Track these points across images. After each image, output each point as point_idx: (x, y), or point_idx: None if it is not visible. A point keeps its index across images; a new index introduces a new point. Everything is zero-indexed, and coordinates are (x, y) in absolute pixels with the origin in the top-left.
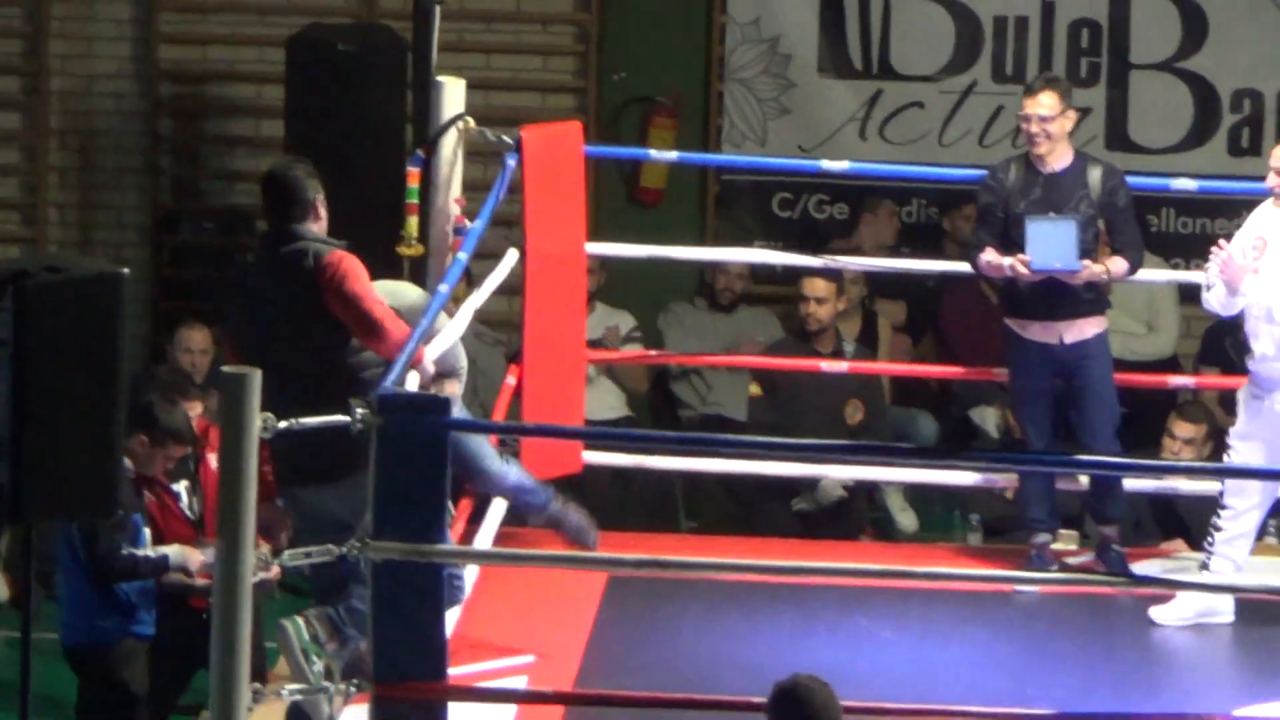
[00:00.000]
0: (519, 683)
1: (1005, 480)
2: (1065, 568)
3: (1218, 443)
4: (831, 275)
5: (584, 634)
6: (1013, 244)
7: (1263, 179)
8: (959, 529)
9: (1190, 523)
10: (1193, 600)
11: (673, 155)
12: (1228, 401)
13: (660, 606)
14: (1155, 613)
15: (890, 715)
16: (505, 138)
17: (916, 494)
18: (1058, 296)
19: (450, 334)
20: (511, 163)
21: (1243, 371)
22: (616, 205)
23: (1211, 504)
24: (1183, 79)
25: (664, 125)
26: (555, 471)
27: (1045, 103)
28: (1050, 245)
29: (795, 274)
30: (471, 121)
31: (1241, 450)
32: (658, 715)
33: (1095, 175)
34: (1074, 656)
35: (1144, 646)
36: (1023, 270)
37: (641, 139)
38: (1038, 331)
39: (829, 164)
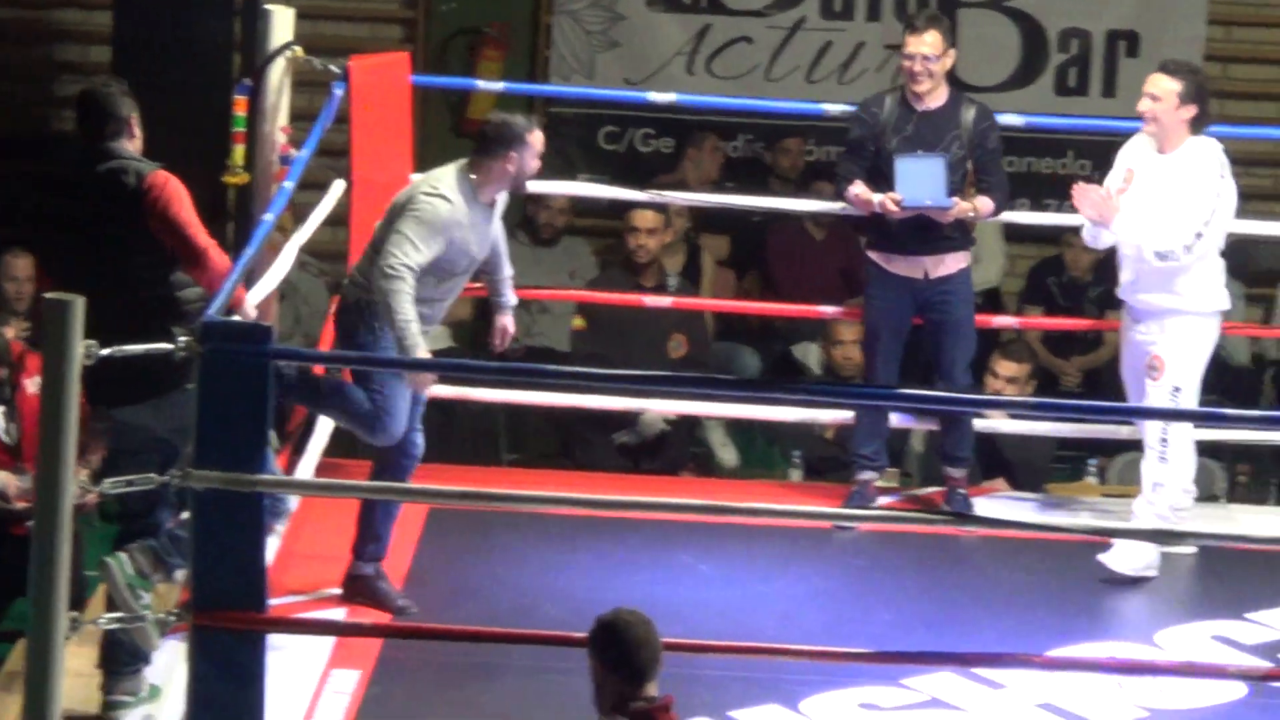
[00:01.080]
0: (338, 614)
1: (828, 418)
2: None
3: (1041, 381)
4: (658, 208)
5: (404, 566)
6: (882, 178)
7: (1092, 118)
8: (780, 465)
9: (1013, 462)
10: (1141, 550)
11: (499, 86)
12: (1050, 340)
13: (481, 539)
14: (1104, 558)
15: (708, 650)
16: (333, 67)
17: (738, 429)
18: (924, 231)
19: (271, 278)
20: (338, 92)
21: (1064, 311)
22: (443, 136)
23: (1033, 443)
24: (1011, 17)
25: (492, 56)
26: None
27: (929, 41)
28: (920, 182)
29: (619, 207)
30: (299, 50)
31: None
32: (477, 647)
33: (969, 115)
34: (893, 594)
35: (965, 586)
36: (893, 208)
37: (469, 70)
38: (902, 266)
39: (655, 96)
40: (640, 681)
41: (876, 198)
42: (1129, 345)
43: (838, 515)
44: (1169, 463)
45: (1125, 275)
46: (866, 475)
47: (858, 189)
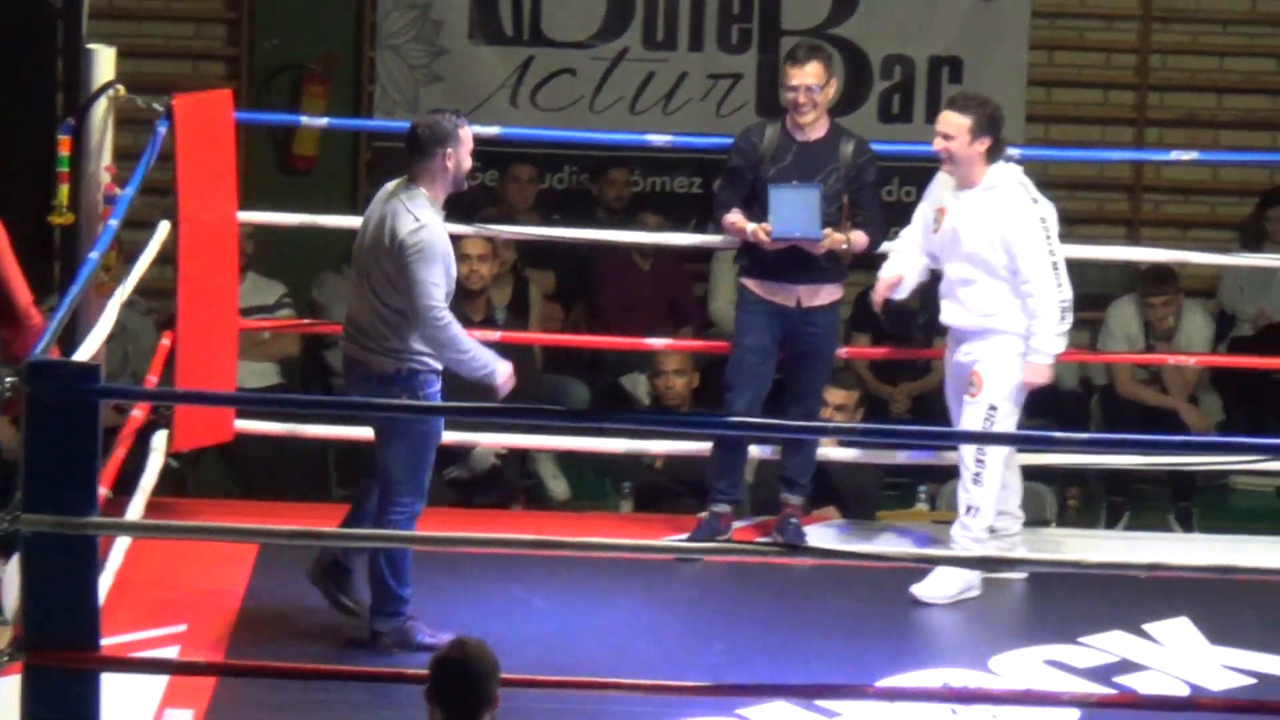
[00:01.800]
0: (171, 652)
1: (657, 449)
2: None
3: (869, 409)
4: (486, 239)
5: (236, 602)
6: (759, 207)
7: (917, 144)
8: (610, 497)
9: (844, 489)
10: (955, 576)
11: (323, 121)
12: (878, 367)
13: None
14: (917, 590)
15: (541, 685)
16: (156, 105)
17: (568, 461)
18: (800, 261)
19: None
20: (162, 130)
21: (891, 338)
22: (269, 173)
23: (864, 471)
24: (834, 44)
25: (316, 92)
26: (207, 440)
27: (812, 72)
28: (793, 213)
29: None
30: (122, 89)
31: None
32: (311, 685)
33: (848, 149)
34: (727, 625)
35: (799, 615)
36: (763, 238)
37: (294, 106)
38: (776, 293)
39: (479, 129)
40: (474, 717)
41: (750, 227)
42: (952, 369)
43: (669, 549)
44: (983, 486)
45: (946, 300)
46: (720, 508)
47: (733, 217)
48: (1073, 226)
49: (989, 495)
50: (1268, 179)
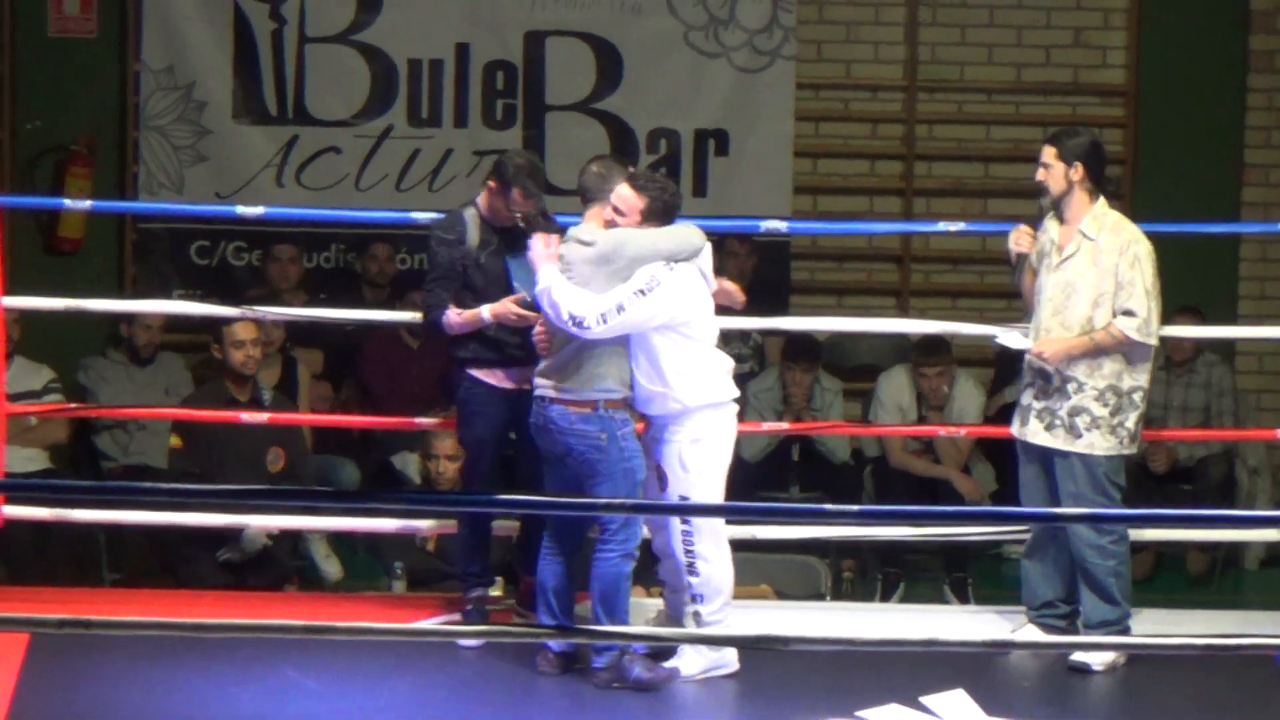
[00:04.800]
0: None
1: (428, 528)
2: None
3: None
4: (255, 321)
5: (8, 691)
6: (471, 295)
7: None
8: (382, 577)
9: None
10: (699, 654)
11: (87, 204)
12: None
13: (84, 660)
14: (676, 663)
15: None
16: None
17: (340, 541)
18: (526, 341)
19: None
20: None
21: None
22: (34, 255)
23: None
24: (599, 119)
25: (79, 174)
26: None
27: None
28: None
29: (212, 322)
30: None
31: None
32: None
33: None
34: (499, 704)
35: (570, 692)
36: (513, 310)
37: (57, 187)
38: (504, 378)
39: (244, 209)
40: None
41: (485, 309)
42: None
43: (438, 632)
44: (700, 575)
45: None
46: (477, 592)
47: (458, 313)
48: (842, 298)
49: (710, 579)
50: None
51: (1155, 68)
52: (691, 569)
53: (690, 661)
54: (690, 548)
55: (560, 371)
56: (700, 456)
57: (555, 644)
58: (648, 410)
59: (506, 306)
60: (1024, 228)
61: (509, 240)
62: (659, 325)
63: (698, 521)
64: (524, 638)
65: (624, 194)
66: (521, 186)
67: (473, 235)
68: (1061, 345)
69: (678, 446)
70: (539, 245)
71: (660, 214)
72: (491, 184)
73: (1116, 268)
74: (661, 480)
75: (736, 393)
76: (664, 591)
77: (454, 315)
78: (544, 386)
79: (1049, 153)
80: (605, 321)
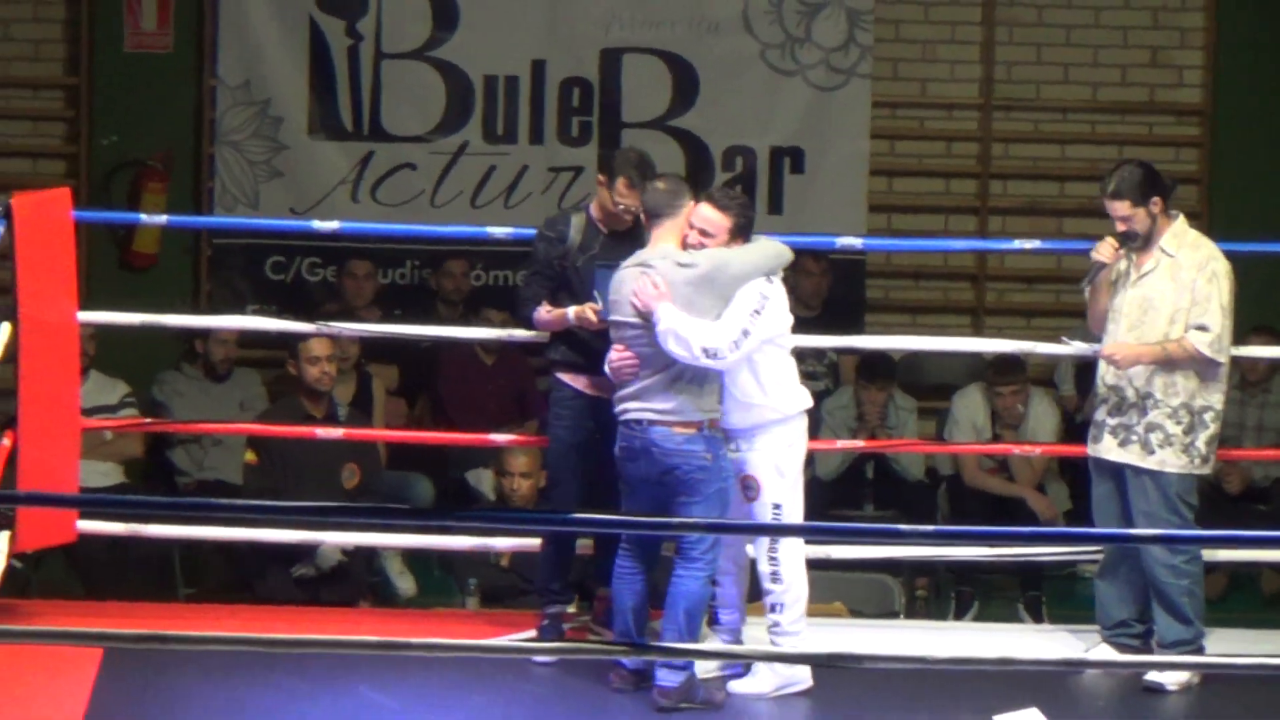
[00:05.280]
0: None
1: (503, 545)
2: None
3: None
4: (330, 337)
5: (82, 704)
6: (567, 295)
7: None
8: (456, 594)
9: None
10: (773, 672)
11: (162, 219)
12: None
13: (159, 674)
14: (736, 686)
15: None
16: None
17: (415, 558)
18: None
19: None
20: (0, 229)
21: None
22: (110, 270)
23: None
24: (674, 136)
25: (155, 189)
26: (50, 540)
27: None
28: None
29: (287, 338)
30: None
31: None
32: None
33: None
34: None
35: (638, 710)
36: (591, 316)
37: (133, 203)
38: (591, 385)
39: (320, 224)
40: None
41: (571, 310)
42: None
43: (512, 649)
44: (783, 582)
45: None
46: (555, 609)
47: (545, 310)
48: (917, 316)
49: (791, 588)
50: None
51: (1231, 87)
52: (775, 577)
53: (764, 679)
54: (774, 555)
55: (661, 394)
56: (793, 462)
57: (629, 661)
58: (738, 423)
59: (587, 311)
60: (1110, 239)
61: (610, 246)
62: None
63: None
64: (600, 654)
65: (708, 215)
66: (626, 176)
67: (574, 236)
68: (1132, 350)
69: (772, 455)
70: (648, 286)
71: (745, 230)
72: (600, 178)
73: (1194, 283)
74: (749, 490)
75: (809, 404)
76: (715, 613)
77: (543, 312)
78: (639, 410)
79: (1122, 207)
80: (738, 348)
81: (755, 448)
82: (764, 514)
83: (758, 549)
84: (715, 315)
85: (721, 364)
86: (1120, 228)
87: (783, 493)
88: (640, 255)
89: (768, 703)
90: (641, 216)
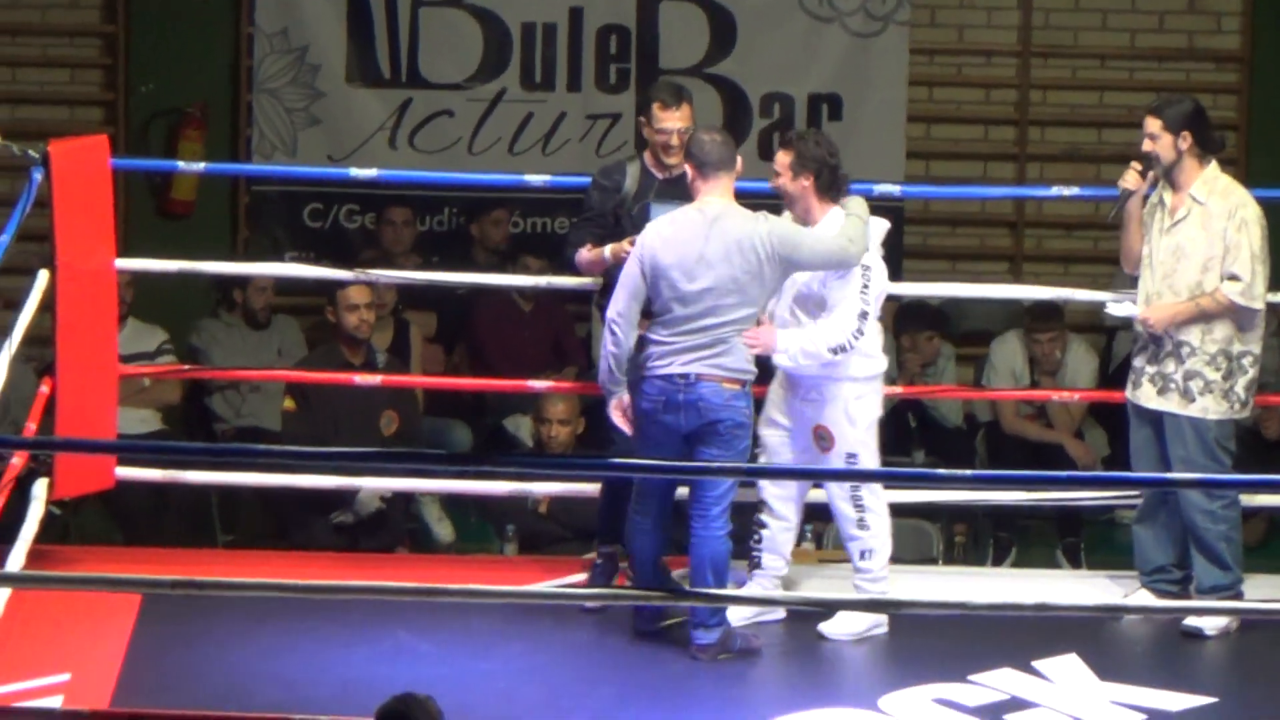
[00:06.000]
0: (55, 702)
1: (541, 491)
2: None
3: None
4: (367, 283)
5: (120, 650)
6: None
7: None
8: (494, 540)
9: None
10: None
11: (200, 166)
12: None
13: (197, 621)
14: (825, 628)
15: None
16: (31, 152)
17: (453, 504)
18: None
19: None
20: (38, 177)
21: None
22: (147, 218)
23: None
24: (712, 83)
25: (192, 137)
26: (88, 487)
27: (682, 115)
28: None
29: (325, 285)
30: None
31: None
32: None
33: None
34: (614, 667)
35: (685, 656)
36: (627, 248)
37: (170, 151)
38: None
39: (357, 171)
40: None
41: (608, 248)
42: (792, 413)
43: (551, 594)
44: (870, 528)
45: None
46: (609, 548)
47: (586, 251)
48: (955, 263)
49: (879, 534)
50: None
51: (1270, 33)
52: (862, 523)
53: (856, 620)
54: (860, 501)
55: (711, 349)
56: (866, 412)
57: (646, 617)
58: (812, 373)
59: (624, 247)
60: (1134, 165)
61: (666, 193)
62: None
63: None
64: (639, 601)
65: (778, 157)
66: (660, 100)
67: (630, 184)
68: (1167, 311)
69: (845, 405)
70: (768, 336)
71: (830, 187)
72: (641, 119)
73: (1224, 231)
74: (823, 441)
75: (884, 367)
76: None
77: (584, 252)
78: (689, 363)
79: (1154, 124)
80: (862, 333)
81: (828, 398)
82: (837, 464)
83: (839, 497)
84: (771, 280)
85: (852, 353)
86: (1145, 145)
87: (856, 442)
88: (695, 206)
89: (802, 652)
90: (688, 168)
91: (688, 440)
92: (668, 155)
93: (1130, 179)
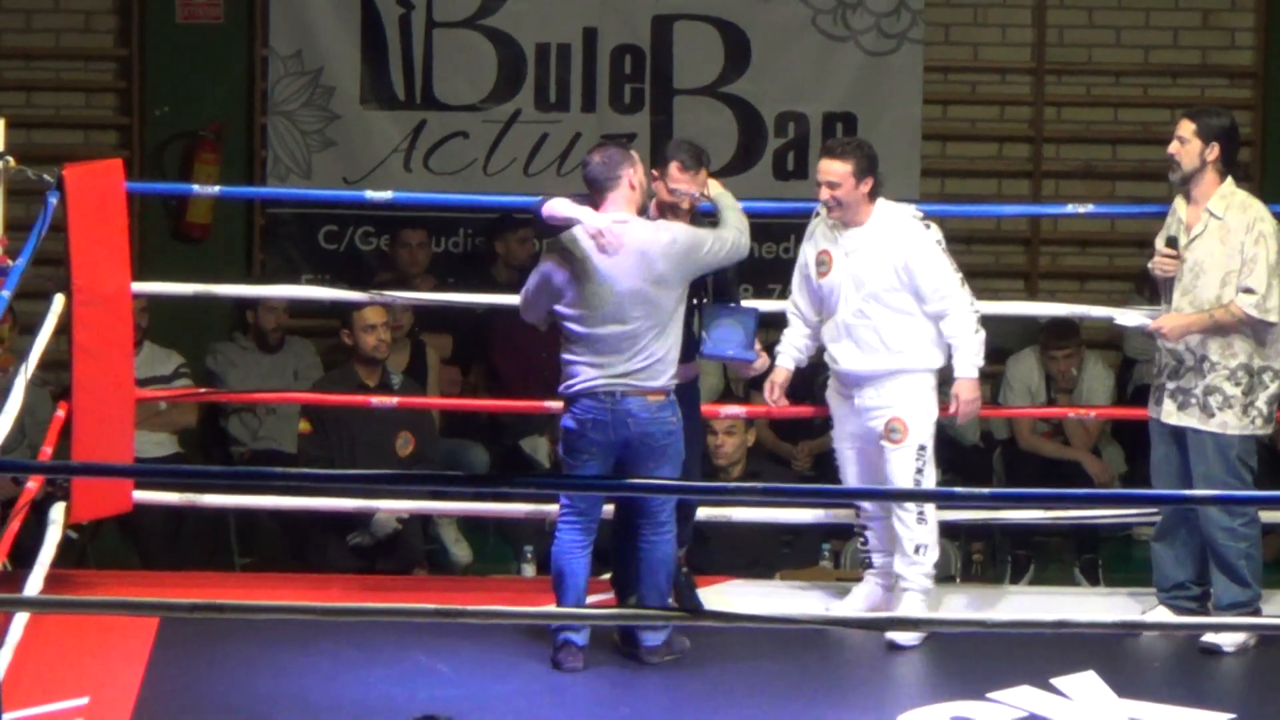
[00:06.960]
0: None
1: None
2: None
3: (770, 467)
4: (383, 305)
5: (139, 673)
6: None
7: (811, 201)
8: (512, 561)
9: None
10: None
11: (215, 189)
12: (778, 425)
13: (215, 643)
14: (894, 636)
15: None
16: (46, 176)
17: (470, 526)
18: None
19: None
20: (53, 201)
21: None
22: (162, 241)
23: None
24: (726, 103)
25: (207, 160)
26: (106, 511)
27: (700, 180)
28: (728, 333)
29: (340, 307)
30: (12, 160)
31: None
32: None
33: None
34: (633, 687)
35: (705, 675)
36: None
37: (185, 174)
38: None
39: (373, 194)
40: None
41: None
42: (850, 415)
43: (569, 615)
44: (928, 523)
45: (840, 345)
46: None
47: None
48: (970, 280)
49: (934, 532)
50: None
51: None
52: (921, 518)
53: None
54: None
55: (630, 363)
56: (935, 401)
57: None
58: (878, 366)
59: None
60: (1164, 249)
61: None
62: None
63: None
64: (652, 621)
65: (830, 167)
66: (679, 160)
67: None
68: (1180, 321)
69: (914, 398)
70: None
71: (872, 168)
72: (654, 172)
73: (1241, 245)
74: (894, 434)
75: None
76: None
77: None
78: (615, 383)
79: (1187, 128)
80: (975, 298)
81: (899, 392)
82: (908, 456)
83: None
84: (680, 286)
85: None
86: (1171, 147)
87: (926, 434)
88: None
89: (818, 667)
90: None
91: (620, 456)
92: (673, 215)
93: (1168, 266)
